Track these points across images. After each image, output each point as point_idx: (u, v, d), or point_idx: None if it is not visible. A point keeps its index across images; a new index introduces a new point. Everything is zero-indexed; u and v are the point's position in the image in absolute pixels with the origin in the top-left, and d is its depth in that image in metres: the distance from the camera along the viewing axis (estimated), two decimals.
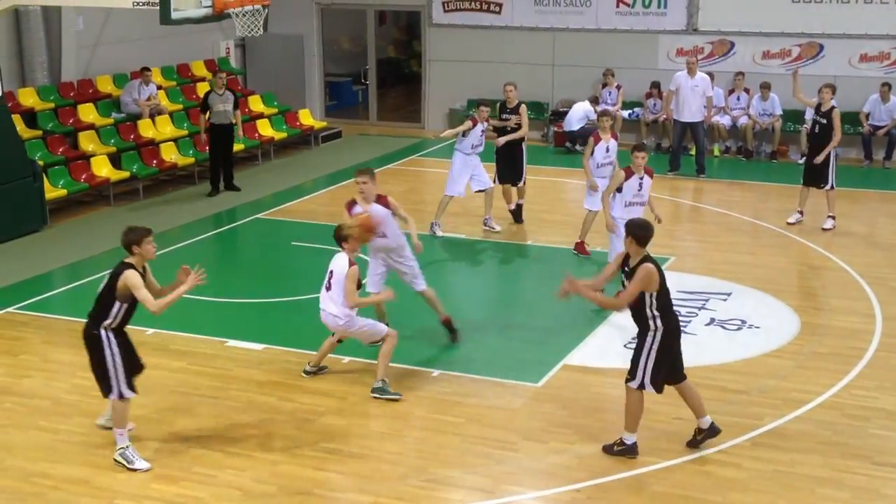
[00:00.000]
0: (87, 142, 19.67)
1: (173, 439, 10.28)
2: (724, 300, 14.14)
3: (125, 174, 19.54)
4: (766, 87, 22.81)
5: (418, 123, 26.64)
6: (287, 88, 25.71)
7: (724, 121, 23.11)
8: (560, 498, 9.27)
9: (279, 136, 23.16)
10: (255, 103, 23.76)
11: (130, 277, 9.53)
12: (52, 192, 18.02)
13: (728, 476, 9.62)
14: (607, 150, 15.64)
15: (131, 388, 9.69)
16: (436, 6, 25.73)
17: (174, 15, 14.95)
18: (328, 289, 11.07)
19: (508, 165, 17.41)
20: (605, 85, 23.84)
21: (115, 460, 9.71)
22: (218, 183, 19.79)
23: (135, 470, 9.63)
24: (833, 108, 17.16)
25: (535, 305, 14.21)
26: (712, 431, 10.06)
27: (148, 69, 21.24)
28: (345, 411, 10.88)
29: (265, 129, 22.98)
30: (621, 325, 13.16)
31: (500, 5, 25.22)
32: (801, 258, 16.02)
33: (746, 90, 23.18)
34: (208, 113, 19.45)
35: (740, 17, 23.53)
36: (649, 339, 9.76)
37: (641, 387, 9.79)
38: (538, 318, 13.70)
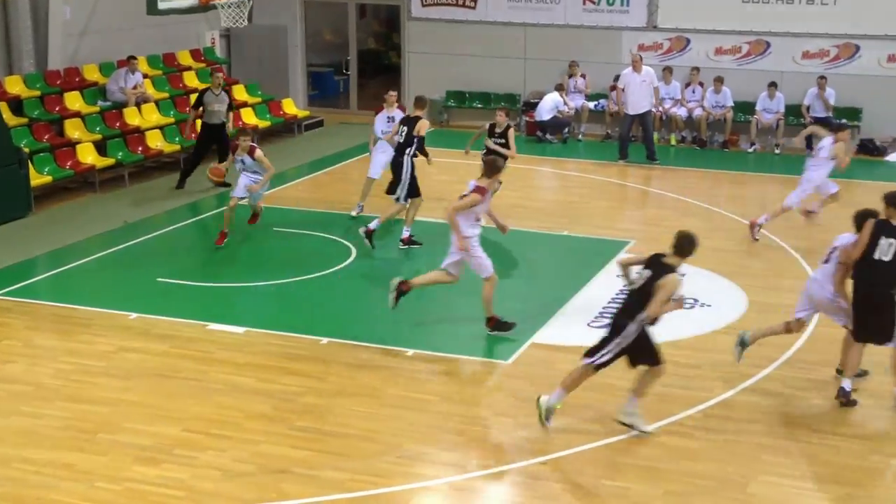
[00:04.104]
0: (72, 129, 19.21)
1: (155, 421, 10.06)
2: (680, 280, 14.10)
3: (110, 161, 19.04)
4: (719, 81, 22.90)
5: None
6: (271, 78, 25.41)
7: (681, 112, 23.14)
8: (528, 470, 9.23)
9: (263, 124, 22.93)
10: (240, 93, 23.47)
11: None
12: (38, 178, 17.55)
13: (681, 446, 9.64)
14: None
15: None
16: (414, 1, 25.56)
17: (161, 5, 14.74)
18: None
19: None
20: (570, 75, 23.85)
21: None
22: (187, 178, 19.04)
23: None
24: None
25: (504, 286, 14.13)
26: None
27: (134, 58, 20.67)
28: (323, 391, 10.77)
29: (249, 117, 22.73)
30: (584, 305, 13.18)
31: (476, 1, 25.09)
32: (750, 241, 16.02)
33: (701, 84, 23.24)
34: (201, 109, 18.76)
35: (696, 15, 23.59)
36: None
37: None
38: (508, 298, 13.63)
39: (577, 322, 12.68)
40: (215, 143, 18.95)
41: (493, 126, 16.46)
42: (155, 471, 9.15)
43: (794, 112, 22.78)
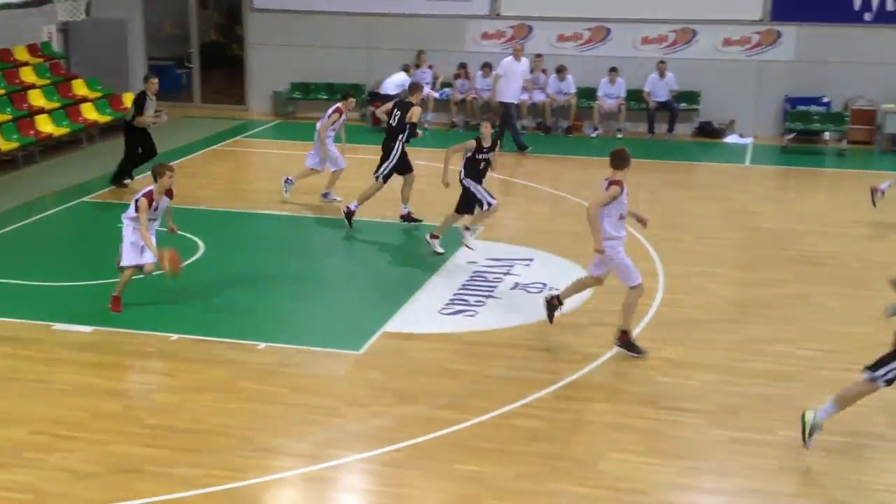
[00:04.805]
0: None
1: (1, 425, 9.81)
2: (528, 265, 14.39)
3: None
4: (562, 69, 23.31)
5: (242, 106, 26.24)
6: (111, 72, 24.79)
7: (524, 98, 23.50)
8: (381, 458, 9.30)
9: (103, 119, 22.42)
10: (79, 87, 22.91)
11: None
12: None
13: (532, 427, 9.82)
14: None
15: None
16: None
17: None
18: None
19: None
20: (418, 66, 23.93)
21: None
22: (126, 176, 18.55)
23: None
24: None
25: (355, 276, 14.23)
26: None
27: None
28: (174, 388, 10.67)
29: (89, 112, 22.23)
30: (435, 293, 13.31)
31: None
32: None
33: (544, 71, 23.63)
34: (139, 115, 18.14)
35: (538, 3, 23.99)
36: None
37: None
38: (359, 288, 13.73)
39: (429, 310, 12.81)
40: (142, 146, 18.43)
41: (479, 140, 14.53)
42: (3, 475, 8.92)
43: (635, 97, 23.39)
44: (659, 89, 23.05)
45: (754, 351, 11.61)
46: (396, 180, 16.16)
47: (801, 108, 22.65)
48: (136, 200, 12.39)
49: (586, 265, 14.13)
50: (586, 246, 15.30)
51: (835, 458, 9.25)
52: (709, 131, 23.34)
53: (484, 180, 14.71)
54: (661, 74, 22.91)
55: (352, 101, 17.61)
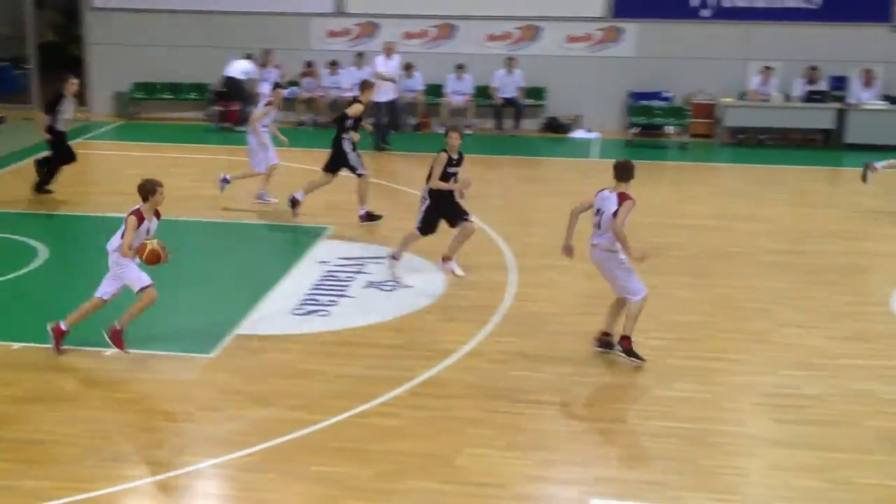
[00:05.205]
0: None
1: None
2: (380, 263, 14.31)
3: None
4: (410, 67, 23.32)
5: (83, 107, 25.47)
6: None
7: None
8: (236, 463, 9.10)
9: None
10: None
11: None
12: None
13: (389, 425, 9.74)
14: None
15: None
16: None
17: None
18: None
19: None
20: (264, 65, 23.63)
21: None
22: (47, 184, 17.72)
23: None
24: None
25: (207, 278, 13.93)
26: None
27: None
28: (17, 399, 10.22)
29: None
30: (287, 294, 13.14)
31: None
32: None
33: None
34: (53, 116, 17.33)
35: (386, 0, 23.91)
36: None
37: None
38: (211, 291, 13.45)
39: (281, 311, 12.62)
40: (58, 148, 17.61)
41: (446, 153, 13.13)
42: None
43: (482, 93, 23.58)
44: (506, 85, 23.29)
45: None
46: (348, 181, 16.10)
47: (644, 102, 23.16)
48: (125, 220, 10.83)
49: (437, 260, 14.21)
50: (437, 241, 15.38)
51: (685, 445, 9.41)
52: (556, 127, 23.69)
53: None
54: (510, 70, 23.15)
55: (282, 91, 17.68)
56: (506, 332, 11.95)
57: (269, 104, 17.08)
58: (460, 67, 23.45)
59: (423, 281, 13.67)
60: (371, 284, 13.53)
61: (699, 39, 23.39)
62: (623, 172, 11.03)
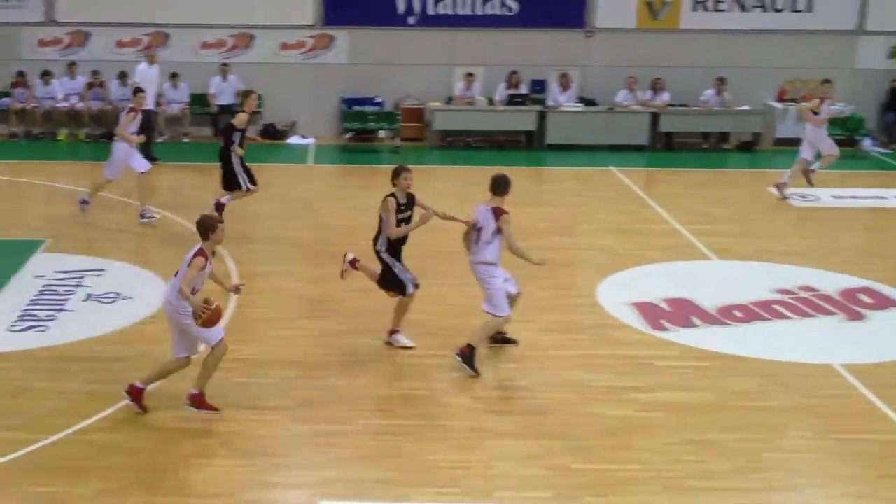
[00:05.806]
0: None
1: None
2: (99, 276, 13.94)
3: None
4: (176, 75, 22.94)
5: None
6: None
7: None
8: None
9: None
10: None
11: None
12: None
13: (111, 440, 9.54)
14: None
15: None
16: None
17: None
18: None
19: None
20: None
21: None
22: None
23: None
24: None
25: None
26: None
27: None
28: None
29: None
30: (5, 309, 12.60)
31: None
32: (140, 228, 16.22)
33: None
34: None
35: (96, 9, 23.28)
36: None
37: None
38: None
39: None
40: None
41: (393, 198, 11.36)
42: None
43: (199, 101, 23.30)
44: (223, 92, 23.08)
45: (328, 345, 11.87)
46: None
47: (357, 108, 23.45)
48: (188, 261, 9.70)
49: (160, 272, 13.94)
50: (159, 249, 15.12)
51: (408, 442, 9.64)
52: (272, 133, 23.66)
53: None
54: (224, 77, 22.97)
55: (142, 95, 16.83)
56: (228, 339, 11.81)
57: (132, 111, 16.14)
58: (175, 76, 23.06)
59: (145, 292, 13.39)
60: (91, 297, 13.15)
61: (407, 46, 23.90)
62: (498, 187, 11.04)
